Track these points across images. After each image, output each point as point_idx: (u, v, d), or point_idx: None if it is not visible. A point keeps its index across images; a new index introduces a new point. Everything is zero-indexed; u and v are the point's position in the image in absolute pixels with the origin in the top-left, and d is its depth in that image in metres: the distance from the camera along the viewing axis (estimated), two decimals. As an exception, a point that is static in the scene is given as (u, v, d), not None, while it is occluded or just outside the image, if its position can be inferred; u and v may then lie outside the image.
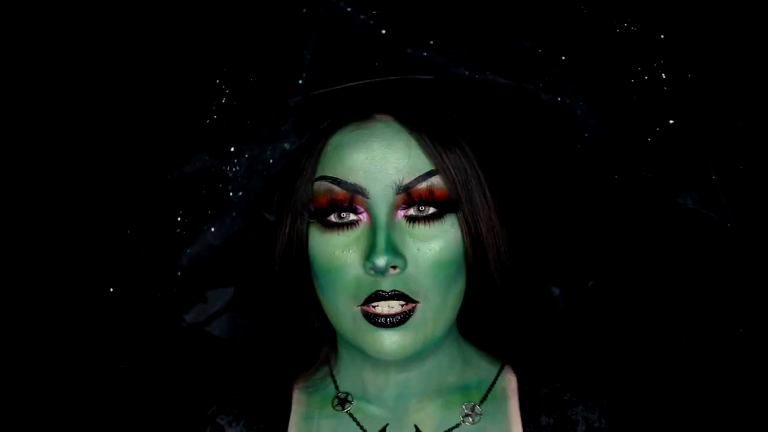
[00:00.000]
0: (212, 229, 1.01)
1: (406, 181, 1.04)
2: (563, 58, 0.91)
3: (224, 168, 0.96)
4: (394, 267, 1.03)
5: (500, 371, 1.20)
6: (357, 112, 1.07)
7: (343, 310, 1.07)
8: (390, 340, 1.04)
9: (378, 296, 1.04)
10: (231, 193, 1.00)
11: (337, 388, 1.20)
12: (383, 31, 0.85)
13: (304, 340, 1.20)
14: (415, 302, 1.04)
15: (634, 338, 1.28)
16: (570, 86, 0.92)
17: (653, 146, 0.98)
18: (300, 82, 0.87)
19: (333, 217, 1.06)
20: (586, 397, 1.17)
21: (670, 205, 1.09)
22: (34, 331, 1.27)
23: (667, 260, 1.21)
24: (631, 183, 1.01)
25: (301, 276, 1.12)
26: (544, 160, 1.16)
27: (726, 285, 1.15)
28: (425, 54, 0.90)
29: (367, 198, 1.04)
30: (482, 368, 1.21)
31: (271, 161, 1.00)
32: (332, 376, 1.21)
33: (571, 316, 1.27)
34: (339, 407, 1.18)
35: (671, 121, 0.94)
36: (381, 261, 1.01)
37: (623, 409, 1.18)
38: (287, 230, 1.10)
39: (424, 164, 1.05)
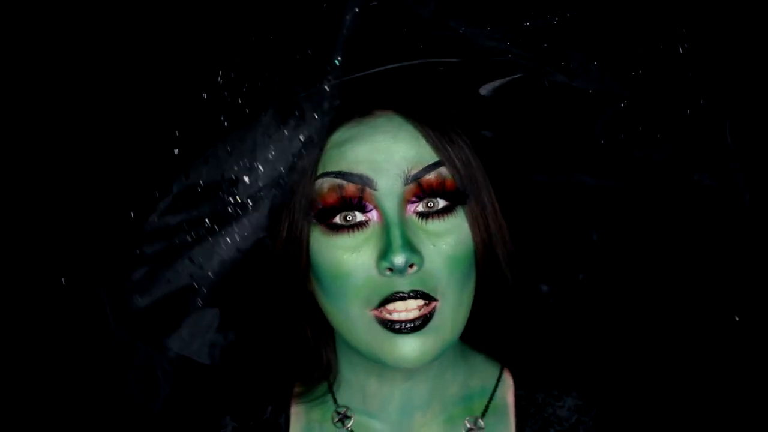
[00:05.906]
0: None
1: (414, 171, 1.01)
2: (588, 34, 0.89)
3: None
4: (411, 265, 0.99)
5: (500, 377, 1.19)
6: (357, 108, 1.04)
7: (355, 316, 1.02)
8: (410, 347, 1.00)
9: (396, 297, 0.99)
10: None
11: (335, 401, 1.15)
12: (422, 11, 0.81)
13: (302, 350, 1.14)
14: (435, 300, 1.01)
15: (628, 334, 1.27)
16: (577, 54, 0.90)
17: (671, 126, 0.98)
18: (336, 62, 0.81)
19: (338, 220, 1.01)
20: (579, 404, 1.18)
21: (669, 196, 1.09)
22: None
23: (666, 251, 1.21)
24: (645, 164, 1.00)
25: (299, 283, 1.06)
26: (543, 152, 1.14)
27: (726, 277, 1.16)
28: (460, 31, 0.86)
29: (375, 190, 1.00)
30: (484, 374, 1.19)
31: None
32: (330, 389, 1.17)
33: (566, 312, 1.25)
34: (339, 424, 1.14)
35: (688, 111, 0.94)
36: (400, 259, 0.97)
37: (619, 409, 1.18)
38: (284, 234, 1.04)
39: (431, 155, 1.02)
